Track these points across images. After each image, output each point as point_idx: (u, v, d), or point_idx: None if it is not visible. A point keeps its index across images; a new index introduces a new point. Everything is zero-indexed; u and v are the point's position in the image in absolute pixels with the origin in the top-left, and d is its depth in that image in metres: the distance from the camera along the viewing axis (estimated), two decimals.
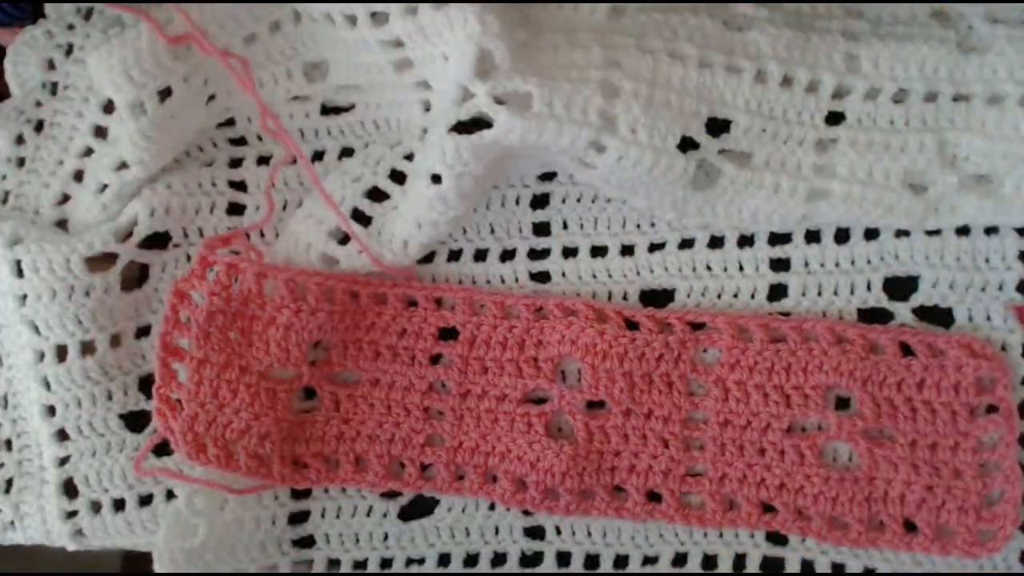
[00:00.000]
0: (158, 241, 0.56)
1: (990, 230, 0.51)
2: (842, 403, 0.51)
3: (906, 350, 0.50)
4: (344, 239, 0.53)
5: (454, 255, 0.55)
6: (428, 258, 0.54)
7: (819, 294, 0.52)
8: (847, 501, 0.49)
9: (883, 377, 0.49)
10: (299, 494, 0.54)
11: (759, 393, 0.50)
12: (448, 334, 0.52)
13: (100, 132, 0.56)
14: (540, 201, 0.55)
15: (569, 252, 0.54)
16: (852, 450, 0.50)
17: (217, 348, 0.51)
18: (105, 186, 0.55)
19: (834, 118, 0.51)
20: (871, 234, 0.52)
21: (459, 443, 0.51)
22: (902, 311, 0.51)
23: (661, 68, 0.49)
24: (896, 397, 0.49)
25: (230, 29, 0.53)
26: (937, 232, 0.51)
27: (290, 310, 0.50)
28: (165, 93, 0.52)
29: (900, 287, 0.52)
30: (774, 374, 0.50)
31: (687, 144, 0.49)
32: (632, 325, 0.51)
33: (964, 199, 0.49)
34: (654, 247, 0.53)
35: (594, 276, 0.54)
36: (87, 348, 0.54)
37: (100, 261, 0.54)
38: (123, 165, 0.54)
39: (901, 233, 0.51)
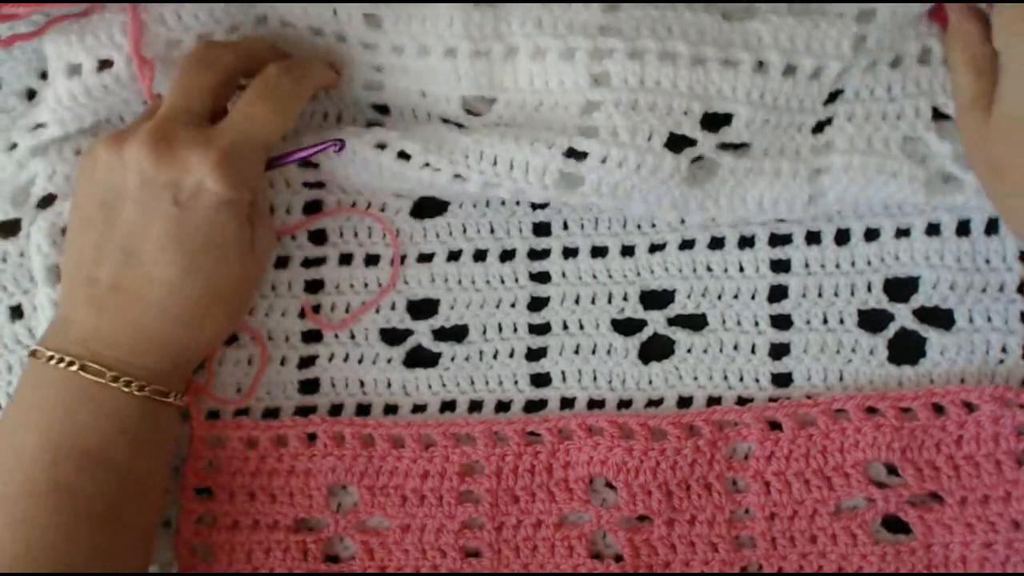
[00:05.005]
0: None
1: (990, 231, 0.51)
2: (890, 471, 0.49)
3: (939, 410, 0.49)
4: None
5: (453, 255, 0.54)
6: (428, 257, 0.54)
7: (819, 295, 0.52)
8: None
9: (920, 442, 0.48)
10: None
11: (800, 480, 0.49)
12: (471, 469, 0.51)
13: (31, 95, 0.55)
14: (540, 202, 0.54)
15: (569, 252, 0.54)
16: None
17: (244, 510, 0.51)
18: (15, 145, 0.53)
19: (832, 96, 0.50)
20: (871, 235, 0.52)
21: None
22: (902, 312, 0.51)
23: (649, 72, 0.48)
24: (937, 458, 0.48)
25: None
26: (937, 233, 0.51)
27: (305, 456, 0.51)
28: (105, 64, 0.50)
29: (900, 288, 0.52)
30: (811, 459, 0.49)
31: (683, 142, 0.49)
32: (656, 431, 0.50)
33: (963, 171, 0.49)
34: (654, 248, 0.53)
35: (594, 277, 0.53)
36: (15, 313, 0.54)
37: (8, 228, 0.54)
38: (39, 126, 0.52)
39: (901, 234, 0.52)
